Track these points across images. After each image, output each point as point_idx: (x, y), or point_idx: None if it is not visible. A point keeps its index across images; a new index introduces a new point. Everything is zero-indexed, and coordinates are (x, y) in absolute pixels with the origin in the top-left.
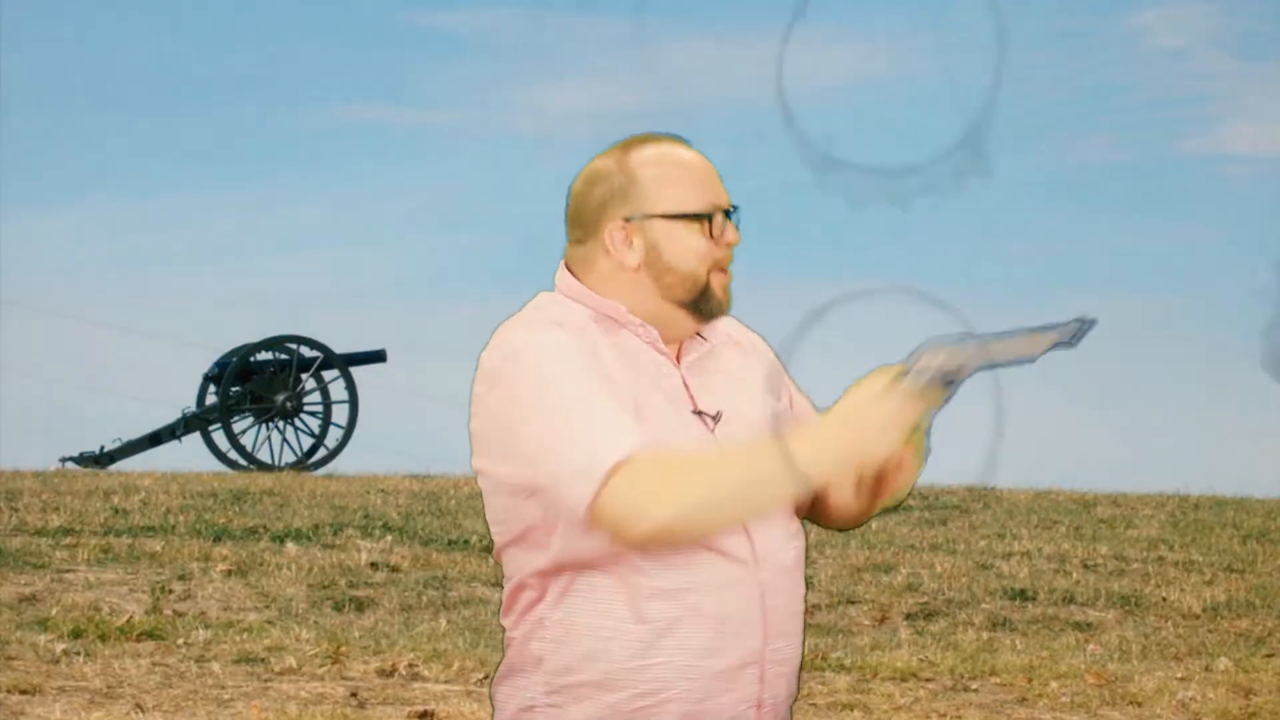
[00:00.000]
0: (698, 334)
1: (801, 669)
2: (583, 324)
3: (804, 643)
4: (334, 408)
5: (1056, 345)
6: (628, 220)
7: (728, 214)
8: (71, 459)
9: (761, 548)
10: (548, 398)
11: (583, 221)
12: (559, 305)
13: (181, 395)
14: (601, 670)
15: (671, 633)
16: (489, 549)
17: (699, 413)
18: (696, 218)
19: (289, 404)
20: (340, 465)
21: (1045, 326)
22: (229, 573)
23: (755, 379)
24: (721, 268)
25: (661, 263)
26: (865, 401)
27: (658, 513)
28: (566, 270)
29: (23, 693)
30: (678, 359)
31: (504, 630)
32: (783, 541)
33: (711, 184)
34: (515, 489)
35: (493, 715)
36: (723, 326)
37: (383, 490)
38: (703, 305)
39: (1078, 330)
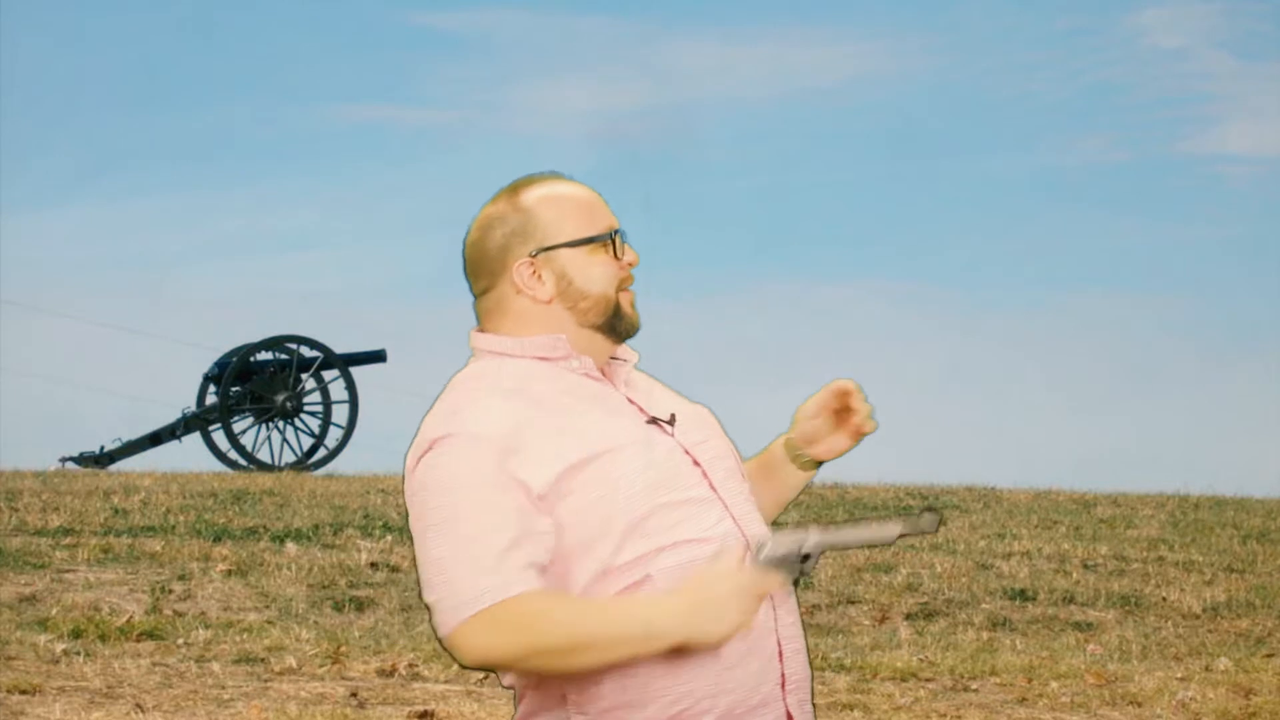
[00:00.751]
0: (613, 356)
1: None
2: (518, 375)
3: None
4: (334, 408)
5: (906, 534)
6: (533, 256)
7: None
8: (71, 459)
9: (748, 530)
10: (443, 521)
11: (487, 268)
12: (497, 373)
13: (181, 395)
14: (634, 689)
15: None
16: None
17: (654, 421)
18: (598, 241)
19: (289, 404)
20: (340, 465)
21: (895, 517)
22: (229, 573)
23: (669, 394)
24: (625, 287)
25: (574, 290)
26: (720, 576)
27: (501, 655)
28: (480, 331)
29: (23, 693)
30: (612, 380)
31: (513, 688)
32: (758, 521)
33: (602, 209)
34: None
35: None
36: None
37: (383, 490)
38: (617, 324)
39: (928, 524)
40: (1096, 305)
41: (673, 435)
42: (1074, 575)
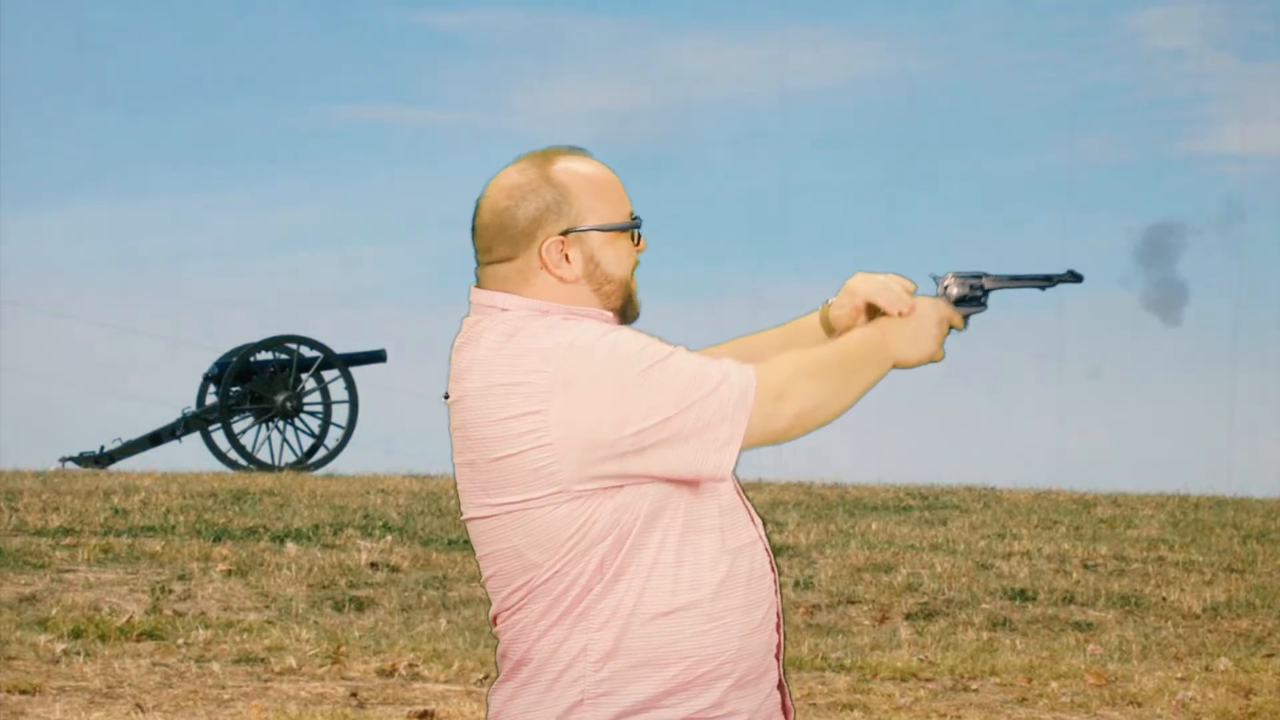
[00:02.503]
0: None
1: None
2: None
3: None
4: (334, 408)
5: (1054, 283)
6: (564, 234)
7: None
8: (71, 459)
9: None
10: (647, 354)
11: (510, 238)
12: (576, 313)
13: (181, 395)
14: (663, 647)
15: (722, 597)
16: None
17: None
18: (627, 229)
19: (289, 404)
20: (340, 465)
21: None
22: (229, 573)
23: None
24: (633, 274)
25: (600, 273)
26: (932, 306)
27: (804, 394)
28: (508, 294)
29: (23, 693)
30: None
31: (515, 645)
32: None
33: (625, 195)
34: (617, 474)
35: None
36: None
37: (383, 490)
38: (629, 310)
39: (1072, 278)
40: (1096, 305)
41: None
42: (1074, 575)
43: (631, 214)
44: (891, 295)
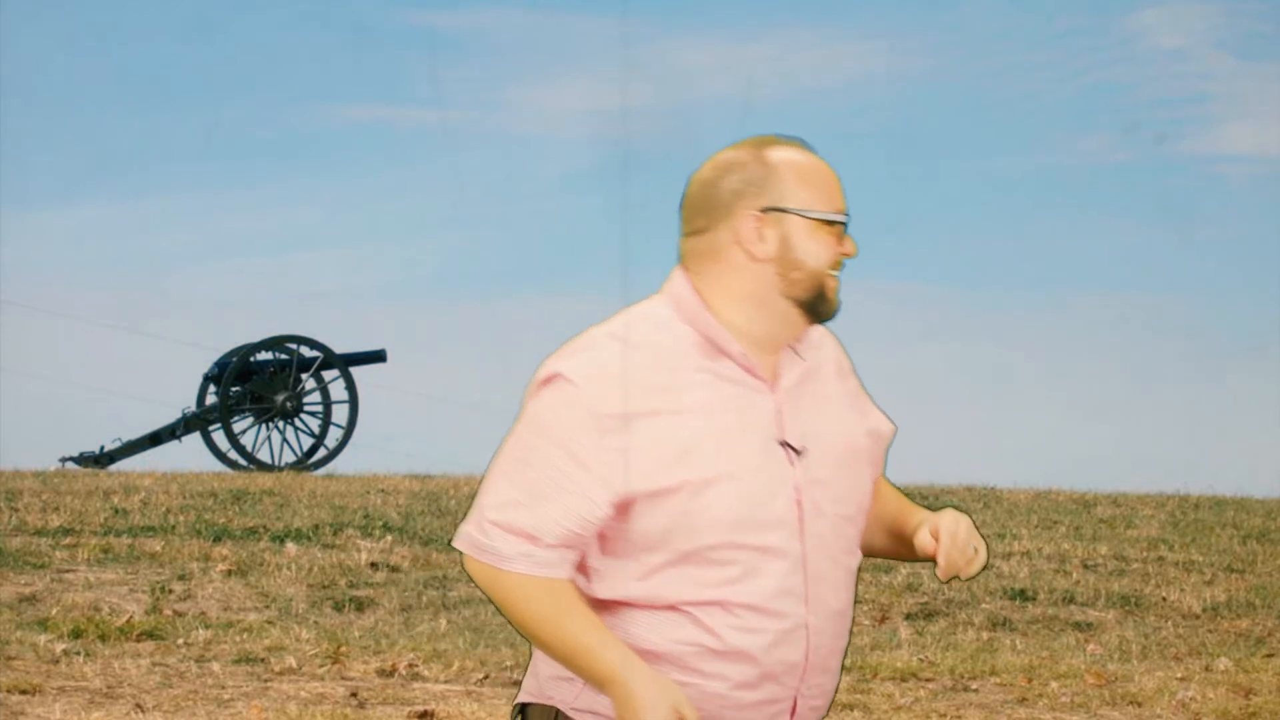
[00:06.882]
0: (795, 351)
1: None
2: (673, 349)
3: (841, 670)
4: (334, 408)
5: None
6: (764, 211)
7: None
8: (71, 459)
9: (813, 589)
10: (518, 455)
11: (711, 209)
12: (659, 328)
13: (181, 395)
14: (653, 646)
15: (715, 660)
16: None
17: (784, 444)
18: (830, 221)
19: (289, 404)
20: (340, 465)
21: None
22: (229, 573)
23: (842, 402)
24: (834, 273)
25: (791, 258)
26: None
27: (484, 590)
28: (684, 276)
29: (23, 693)
30: (775, 380)
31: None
32: (837, 588)
33: (838, 191)
34: None
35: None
36: (810, 333)
37: (383, 490)
38: (819, 305)
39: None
40: (1096, 305)
41: (793, 465)
42: (1074, 575)
43: (844, 212)
44: (950, 555)
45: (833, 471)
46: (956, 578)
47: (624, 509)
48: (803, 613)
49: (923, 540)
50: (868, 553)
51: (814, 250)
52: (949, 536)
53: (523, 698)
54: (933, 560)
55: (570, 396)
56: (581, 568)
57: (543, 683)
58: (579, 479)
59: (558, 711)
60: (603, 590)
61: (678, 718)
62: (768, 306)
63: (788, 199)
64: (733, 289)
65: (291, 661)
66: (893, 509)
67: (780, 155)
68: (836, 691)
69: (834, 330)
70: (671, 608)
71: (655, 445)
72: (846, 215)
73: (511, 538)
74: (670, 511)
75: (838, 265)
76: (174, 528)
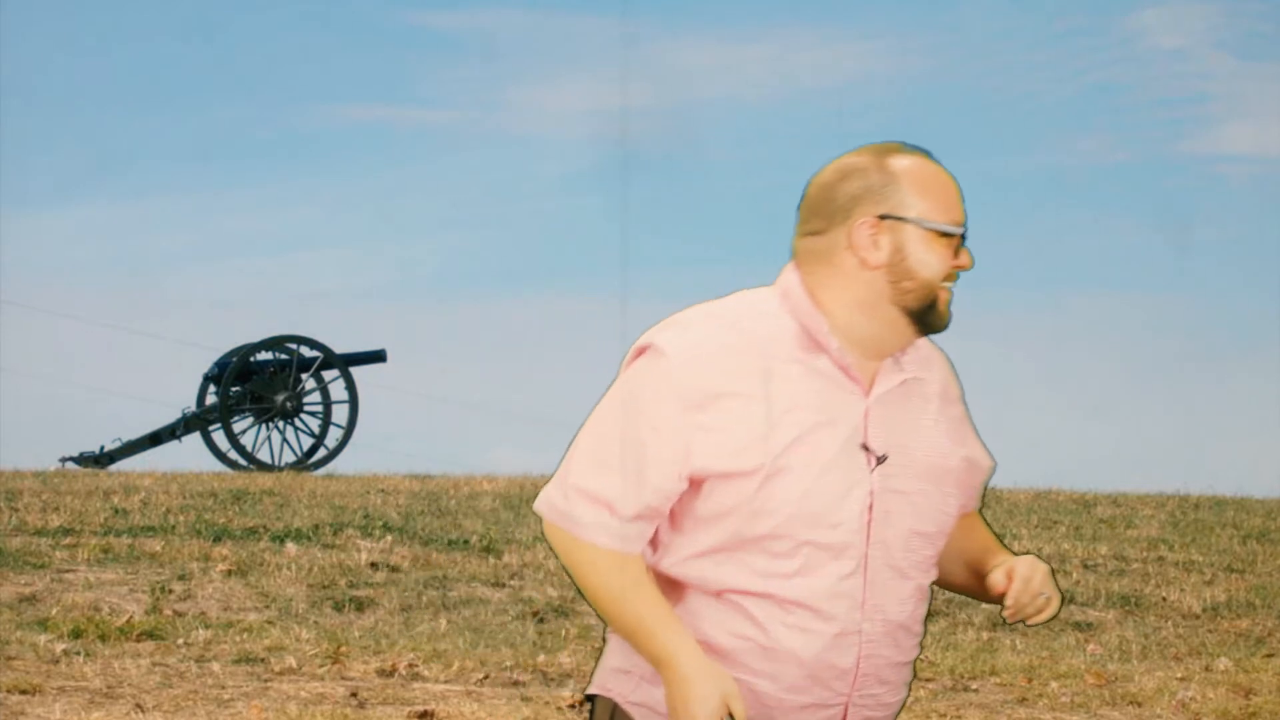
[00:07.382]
0: (898, 361)
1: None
2: (771, 336)
3: (909, 684)
4: (334, 408)
5: None
6: (881, 218)
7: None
8: (71, 459)
9: (872, 597)
10: (604, 423)
11: (829, 212)
12: (761, 315)
13: (181, 395)
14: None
15: (765, 659)
16: (489, 549)
17: (866, 448)
18: (946, 233)
19: (289, 404)
20: (340, 465)
21: None
22: (229, 573)
23: (939, 424)
24: (947, 286)
25: (904, 267)
26: (697, 701)
27: (560, 557)
28: (795, 272)
29: (23, 693)
30: (870, 385)
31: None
32: (901, 601)
33: (959, 205)
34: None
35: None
36: (920, 349)
37: (383, 490)
38: (928, 316)
39: None
40: (1096, 305)
41: (871, 471)
42: (1074, 575)
43: (962, 225)
44: (1019, 599)
45: (914, 485)
46: (1022, 621)
47: (696, 486)
48: (857, 619)
49: (994, 579)
50: (945, 584)
51: (928, 261)
52: (1022, 581)
53: (591, 689)
54: (1002, 601)
55: (660, 369)
56: (650, 539)
57: (606, 675)
58: (659, 451)
59: (615, 705)
60: (662, 563)
61: (726, 710)
62: (876, 313)
63: (905, 208)
64: (842, 293)
65: (291, 661)
66: (979, 545)
67: (901, 163)
68: (902, 708)
69: (942, 344)
70: (720, 594)
71: (736, 427)
72: (965, 228)
73: (591, 506)
74: (738, 494)
75: (952, 277)
76: (174, 528)
